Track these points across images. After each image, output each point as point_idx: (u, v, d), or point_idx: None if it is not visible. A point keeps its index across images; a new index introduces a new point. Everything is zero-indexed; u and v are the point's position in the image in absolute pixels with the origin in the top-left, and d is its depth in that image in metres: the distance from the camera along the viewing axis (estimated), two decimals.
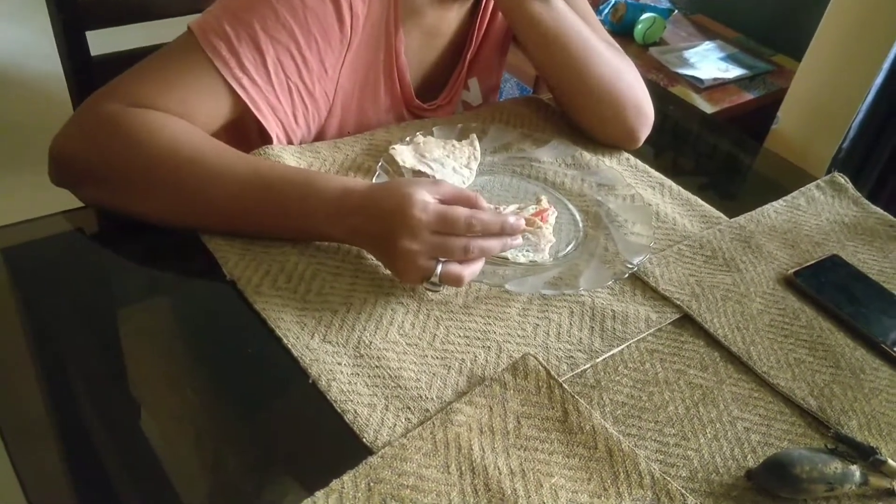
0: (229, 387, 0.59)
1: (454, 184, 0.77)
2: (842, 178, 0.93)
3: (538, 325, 0.66)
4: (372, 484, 0.51)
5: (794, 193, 0.90)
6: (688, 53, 2.06)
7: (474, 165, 0.83)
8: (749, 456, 0.58)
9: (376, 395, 0.57)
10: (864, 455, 0.56)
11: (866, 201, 0.91)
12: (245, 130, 0.80)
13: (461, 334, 0.64)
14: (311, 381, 0.58)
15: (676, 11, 2.29)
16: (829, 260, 0.79)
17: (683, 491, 0.54)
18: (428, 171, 0.79)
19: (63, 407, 0.57)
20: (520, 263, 0.72)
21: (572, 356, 0.64)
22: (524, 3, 0.83)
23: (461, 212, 0.63)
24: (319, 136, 0.86)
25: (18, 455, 0.51)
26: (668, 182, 0.88)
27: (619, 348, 0.65)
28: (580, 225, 0.79)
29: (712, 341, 0.68)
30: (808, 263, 0.78)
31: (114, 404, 0.57)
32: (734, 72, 1.99)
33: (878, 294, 0.76)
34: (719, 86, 1.93)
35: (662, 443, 0.58)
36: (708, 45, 2.12)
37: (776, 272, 0.77)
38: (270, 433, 0.57)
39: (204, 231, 0.69)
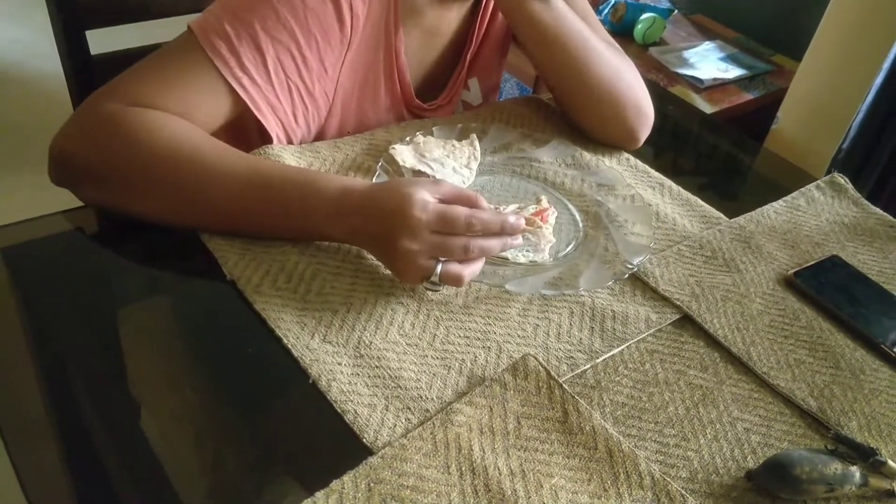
0: (229, 387, 0.59)
1: (454, 184, 0.77)
2: (842, 179, 0.93)
3: (538, 325, 0.66)
4: (372, 484, 0.51)
5: (794, 194, 0.90)
6: (687, 53, 2.06)
7: (474, 165, 0.83)
8: (749, 457, 0.58)
9: (376, 396, 0.57)
10: (864, 456, 0.56)
11: (866, 202, 0.91)
12: (245, 130, 0.80)
13: (461, 334, 0.64)
14: (311, 382, 0.58)
15: (676, 11, 2.29)
16: (829, 260, 0.79)
17: (683, 492, 0.54)
18: (428, 170, 0.79)
19: (63, 407, 0.57)
20: (520, 264, 0.72)
21: (572, 356, 0.64)
22: (524, 3, 0.83)
23: (461, 211, 0.63)
24: (319, 136, 0.86)
25: (18, 455, 0.51)
26: (668, 182, 0.88)
27: (620, 349, 0.65)
28: (580, 225, 0.79)
29: (712, 342, 0.68)
30: (808, 264, 0.78)
31: (114, 404, 0.57)
32: (734, 72, 1.99)
33: (878, 295, 0.76)
34: (719, 86, 1.94)
35: (662, 443, 0.58)
36: (708, 46, 2.12)
37: (776, 273, 0.77)
38: (270, 433, 0.56)
39: (204, 231, 0.69)
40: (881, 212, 0.89)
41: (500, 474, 0.53)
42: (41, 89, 2.32)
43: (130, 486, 0.52)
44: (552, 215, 0.75)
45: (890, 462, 0.56)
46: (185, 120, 0.70)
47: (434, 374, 0.60)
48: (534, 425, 0.57)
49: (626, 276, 0.72)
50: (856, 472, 0.55)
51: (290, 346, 0.60)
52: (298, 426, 0.57)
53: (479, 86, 1.02)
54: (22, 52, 2.51)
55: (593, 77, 0.87)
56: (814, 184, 0.92)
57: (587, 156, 0.88)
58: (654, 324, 0.68)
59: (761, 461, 0.56)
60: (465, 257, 0.63)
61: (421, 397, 0.58)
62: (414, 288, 0.67)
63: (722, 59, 2.05)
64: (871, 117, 1.58)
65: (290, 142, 0.81)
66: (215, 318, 0.65)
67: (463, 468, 0.53)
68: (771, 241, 0.81)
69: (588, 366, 0.63)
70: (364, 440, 0.54)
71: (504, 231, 0.65)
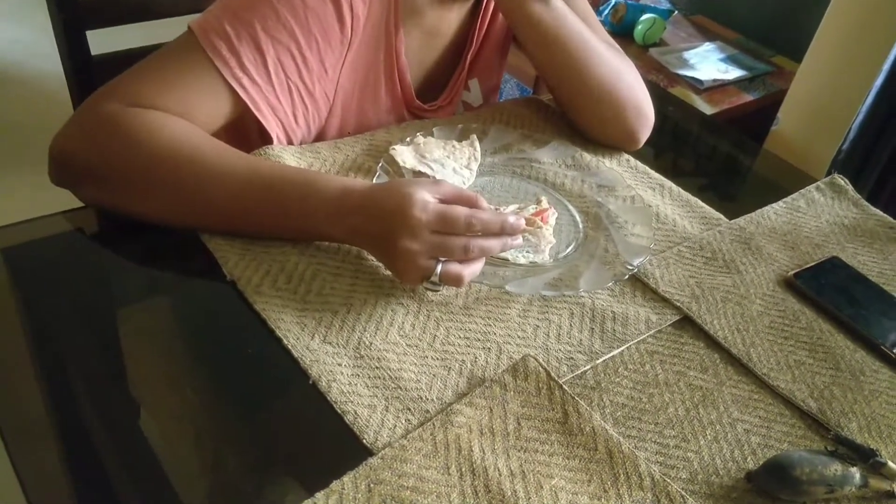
0: (229, 387, 0.59)
1: (454, 184, 0.77)
2: (842, 180, 0.93)
3: (538, 326, 0.66)
4: (372, 485, 0.51)
5: (794, 195, 0.90)
6: (688, 54, 2.06)
7: (474, 166, 0.83)
8: (749, 458, 0.58)
9: (376, 397, 0.57)
10: (864, 457, 0.56)
11: (866, 203, 0.91)
12: (245, 130, 0.80)
13: (461, 335, 0.64)
14: (311, 382, 0.58)
15: (676, 12, 2.29)
16: (829, 262, 0.79)
17: (683, 493, 0.54)
18: (428, 171, 0.79)
19: (63, 407, 0.57)
20: (520, 264, 0.72)
21: (572, 357, 0.64)
22: (524, 3, 0.83)
23: (461, 211, 0.63)
24: (319, 137, 0.86)
25: (18, 455, 0.51)
26: (668, 183, 0.88)
27: (620, 350, 0.65)
28: (580, 226, 0.79)
29: (712, 343, 0.68)
30: (808, 265, 0.78)
31: (114, 404, 0.57)
32: (734, 73, 1.99)
33: (878, 296, 0.76)
34: (719, 87, 1.94)
35: (662, 444, 0.58)
36: (708, 46, 2.12)
37: (776, 274, 0.77)
38: (271, 434, 0.56)
39: (204, 231, 0.69)
40: (881, 213, 0.89)
41: (500, 475, 0.53)
42: (41, 89, 2.32)
43: (130, 486, 0.52)
44: (552, 216, 0.75)
45: (890, 463, 0.56)
46: (185, 120, 0.70)
47: (434, 375, 0.60)
48: (534, 426, 0.57)
49: (627, 277, 0.72)
50: (856, 473, 0.55)
51: (290, 346, 0.60)
52: (298, 427, 0.57)
53: (479, 86, 1.02)
54: (22, 52, 2.51)
55: (593, 78, 0.87)
56: (814, 185, 0.92)
57: (587, 157, 0.88)
58: (655, 325, 0.68)
59: (761, 462, 0.56)
60: (465, 257, 0.63)
61: (421, 398, 0.58)
62: (414, 289, 0.67)
63: (722, 60, 2.05)
64: (871, 118, 1.58)
65: (290, 142, 0.81)
66: (215, 318, 0.65)
67: (463, 469, 0.53)
68: (771, 242, 0.81)
69: (588, 367, 0.63)
70: (364, 441, 0.54)
71: (504, 231, 0.65)
